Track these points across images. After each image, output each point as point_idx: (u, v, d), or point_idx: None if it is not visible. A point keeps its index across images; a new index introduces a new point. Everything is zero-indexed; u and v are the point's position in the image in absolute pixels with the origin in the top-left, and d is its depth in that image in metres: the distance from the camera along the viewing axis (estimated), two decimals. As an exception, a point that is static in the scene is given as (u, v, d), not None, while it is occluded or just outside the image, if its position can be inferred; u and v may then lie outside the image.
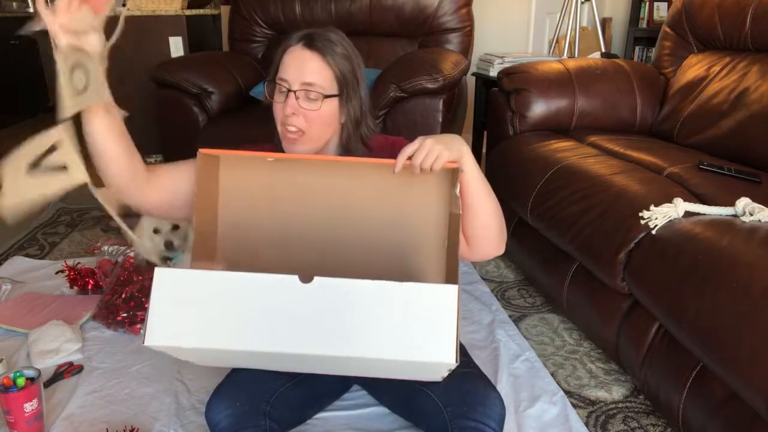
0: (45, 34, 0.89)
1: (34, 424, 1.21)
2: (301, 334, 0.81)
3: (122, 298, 1.66)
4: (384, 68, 2.28)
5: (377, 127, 1.26)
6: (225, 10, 3.32)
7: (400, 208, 1.08)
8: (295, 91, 1.08)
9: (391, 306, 0.81)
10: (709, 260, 1.13)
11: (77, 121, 0.95)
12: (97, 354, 1.56)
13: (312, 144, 1.13)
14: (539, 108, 2.04)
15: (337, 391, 1.33)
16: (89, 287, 1.85)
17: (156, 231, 1.76)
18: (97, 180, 0.99)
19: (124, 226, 1.00)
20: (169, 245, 1.75)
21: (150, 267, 1.73)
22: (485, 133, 2.77)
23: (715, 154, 1.76)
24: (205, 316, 0.82)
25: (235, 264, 1.10)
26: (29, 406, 1.19)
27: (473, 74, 2.89)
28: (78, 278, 1.84)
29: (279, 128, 1.13)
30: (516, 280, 2.02)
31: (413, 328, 0.80)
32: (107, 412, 1.34)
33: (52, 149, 0.92)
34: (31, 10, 5.11)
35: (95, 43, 0.92)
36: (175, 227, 1.78)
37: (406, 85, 2.12)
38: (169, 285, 0.83)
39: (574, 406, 1.37)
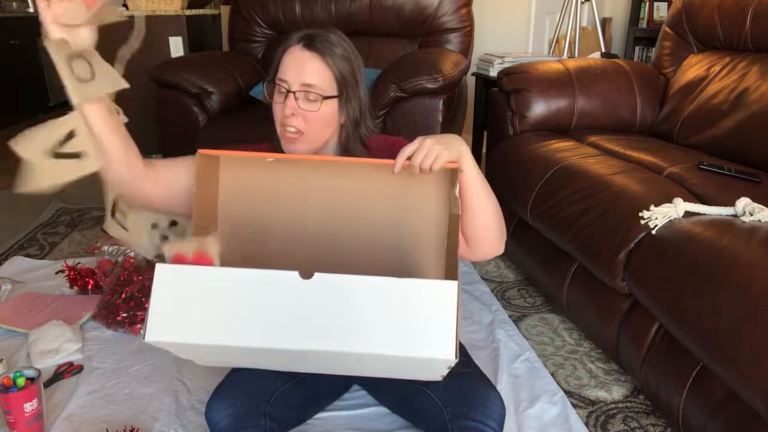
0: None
1: (34, 424, 1.21)
2: (301, 329, 0.81)
3: (122, 298, 1.66)
4: (384, 68, 2.28)
5: (377, 127, 1.26)
6: (225, 10, 3.32)
7: (399, 208, 1.08)
8: (294, 92, 1.08)
9: (391, 302, 0.81)
10: (709, 260, 1.13)
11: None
12: (97, 354, 1.56)
13: (311, 144, 1.13)
14: (539, 108, 2.04)
15: (337, 391, 1.33)
16: (89, 287, 1.85)
17: (154, 226, 1.76)
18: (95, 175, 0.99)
19: (115, 219, 1.00)
20: (164, 240, 1.75)
21: (150, 267, 1.73)
22: (485, 133, 2.77)
23: (715, 154, 1.76)
24: (206, 312, 0.82)
25: (234, 264, 1.10)
26: (29, 406, 1.19)
27: (473, 74, 2.89)
28: (78, 278, 1.84)
29: (278, 128, 1.13)
30: (516, 280, 2.02)
31: (413, 325, 0.81)
32: (107, 412, 1.34)
33: (70, 136, 0.92)
34: (32, 10, 5.12)
35: (86, 38, 0.93)
36: (173, 223, 1.78)
37: (406, 85, 2.12)
38: (170, 281, 0.84)
39: (574, 406, 1.37)
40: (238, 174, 1.09)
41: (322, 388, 1.24)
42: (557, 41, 3.09)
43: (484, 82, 2.84)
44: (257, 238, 1.10)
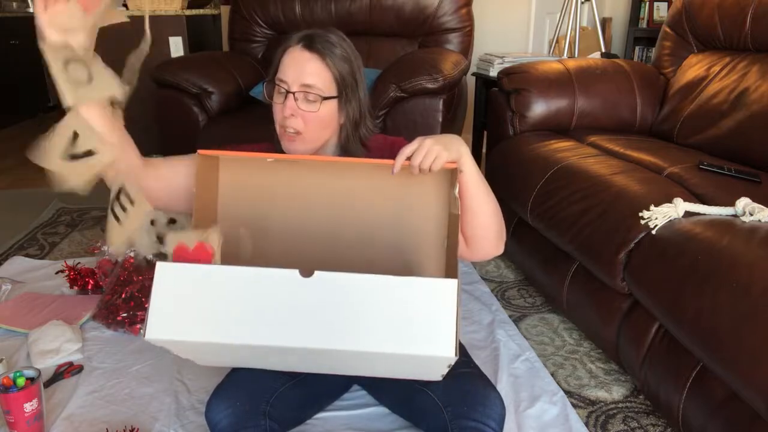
0: None
1: (34, 424, 1.21)
2: (302, 327, 0.81)
3: (122, 298, 1.66)
4: (384, 68, 2.28)
5: (376, 127, 1.26)
6: (225, 10, 3.32)
7: (399, 208, 1.08)
8: (293, 93, 1.08)
9: (390, 300, 0.82)
10: (709, 260, 1.13)
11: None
12: (97, 354, 1.56)
13: (310, 144, 1.13)
14: (539, 108, 2.04)
15: (337, 391, 1.33)
16: (89, 287, 1.85)
17: (152, 222, 1.76)
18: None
19: (114, 211, 0.99)
20: (162, 239, 1.76)
21: (150, 267, 1.73)
22: (485, 133, 2.77)
23: (715, 154, 1.76)
24: (206, 310, 0.83)
25: (233, 264, 1.10)
26: (29, 406, 1.19)
27: (473, 74, 2.89)
28: (78, 278, 1.84)
29: (278, 128, 1.13)
30: (516, 280, 2.02)
31: (413, 322, 0.81)
32: (107, 412, 1.34)
33: (75, 136, 0.92)
34: (31, 10, 5.11)
35: (82, 41, 0.92)
36: (172, 221, 1.78)
37: (406, 85, 2.12)
38: (170, 279, 0.84)
39: (574, 406, 1.37)
40: (238, 174, 1.09)
41: (322, 388, 1.24)
42: (557, 41, 3.09)
43: (484, 82, 2.84)
44: (257, 238, 1.10)
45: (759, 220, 1.21)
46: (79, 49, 0.92)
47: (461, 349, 1.19)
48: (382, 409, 1.31)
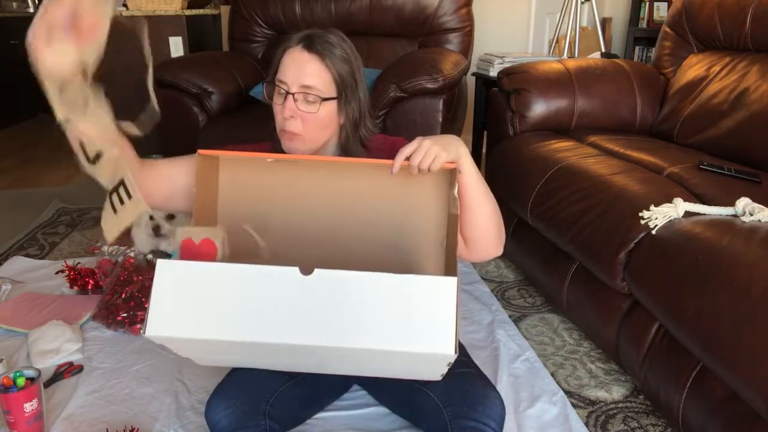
0: None
1: (34, 424, 1.21)
2: (301, 325, 0.82)
3: (122, 298, 1.66)
4: (384, 68, 2.28)
5: (376, 127, 1.26)
6: (225, 10, 3.32)
7: (398, 208, 1.08)
8: (293, 94, 1.08)
9: (390, 297, 0.82)
10: (709, 260, 1.13)
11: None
12: (97, 354, 1.56)
13: (310, 145, 1.13)
14: (539, 108, 2.04)
15: (337, 391, 1.33)
16: (89, 287, 1.85)
17: (151, 217, 1.77)
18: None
19: (111, 201, 1.00)
20: (156, 230, 1.76)
21: (150, 267, 1.73)
22: (485, 133, 2.77)
23: (715, 154, 1.76)
24: (206, 307, 0.83)
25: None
26: (29, 406, 1.19)
27: (473, 74, 2.89)
28: (78, 278, 1.84)
29: (278, 128, 1.14)
30: (516, 280, 2.02)
31: (413, 320, 0.81)
32: (107, 412, 1.34)
33: (119, 186, 0.97)
34: (31, 10, 5.12)
35: (78, 69, 0.91)
36: (171, 216, 1.78)
37: (406, 85, 2.12)
38: (171, 277, 0.84)
39: (574, 406, 1.37)
40: (238, 174, 1.09)
41: (322, 388, 1.24)
42: (557, 41, 3.09)
43: (484, 82, 2.84)
44: (250, 235, 1.10)
45: (759, 220, 1.21)
46: (75, 76, 0.92)
47: (461, 349, 1.18)
48: (382, 409, 1.31)
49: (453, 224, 1.03)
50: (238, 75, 2.55)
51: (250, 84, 2.56)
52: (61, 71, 0.89)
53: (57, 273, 1.94)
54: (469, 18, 2.70)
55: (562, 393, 1.41)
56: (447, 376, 1.00)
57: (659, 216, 1.31)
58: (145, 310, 1.21)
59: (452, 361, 0.85)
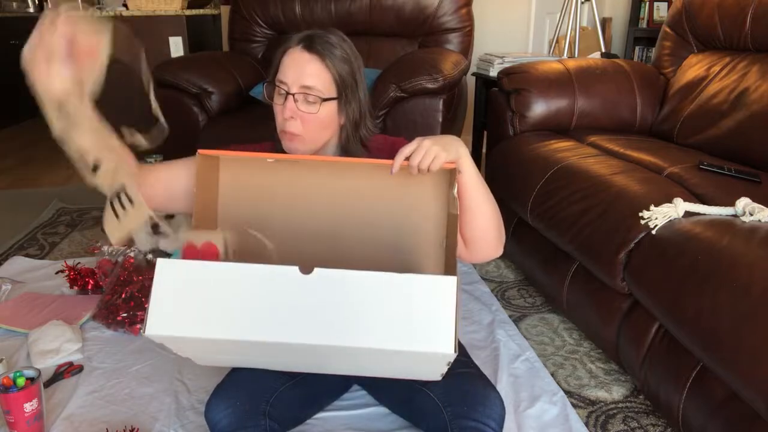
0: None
1: (34, 424, 1.21)
2: (301, 324, 0.82)
3: (122, 298, 1.66)
4: (384, 68, 2.28)
5: (377, 128, 1.27)
6: (225, 10, 3.32)
7: (398, 208, 1.08)
8: (293, 95, 1.08)
9: (390, 296, 0.82)
10: (709, 260, 1.13)
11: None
12: (97, 354, 1.56)
13: (310, 145, 1.13)
14: (539, 108, 2.04)
15: (337, 391, 1.33)
16: (89, 287, 1.85)
17: (150, 217, 1.77)
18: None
19: (113, 208, 1.01)
20: (155, 227, 1.76)
21: (150, 267, 1.73)
22: (485, 133, 2.77)
23: (715, 154, 1.76)
24: (206, 306, 0.83)
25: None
26: (29, 406, 1.19)
27: (473, 74, 2.89)
28: (78, 278, 1.85)
29: (278, 128, 1.14)
30: (516, 280, 2.02)
31: (412, 319, 0.81)
32: (107, 412, 1.34)
33: (120, 192, 1.00)
34: (32, 10, 5.12)
35: (77, 91, 0.92)
36: (170, 216, 1.78)
37: (406, 85, 2.12)
38: (171, 276, 0.84)
39: (574, 406, 1.37)
40: (238, 174, 1.10)
41: (322, 388, 1.24)
42: (557, 41, 3.09)
43: (484, 82, 2.84)
44: (257, 239, 1.11)
45: (759, 220, 1.21)
46: (73, 96, 0.92)
47: (461, 349, 1.19)
48: (382, 409, 1.31)
49: (453, 224, 1.03)
50: (238, 75, 2.55)
51: (250, 84, 2.56)
52: (60, 92, 0.90)
53: (57, 273, 1.94)
54: (469, 18, 2.70)
55: (562, 393, 1.41)
56: (447, 376, 1.00)
57: (659, 216, 1.31)
58: (145, 310, 1.21)
59: (452, 361, 0.85)
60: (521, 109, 2.05)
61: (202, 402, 1.31)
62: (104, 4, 3.52)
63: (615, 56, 2.75)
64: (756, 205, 1.25)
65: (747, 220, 1.22)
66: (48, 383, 1.42)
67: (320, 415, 1.30)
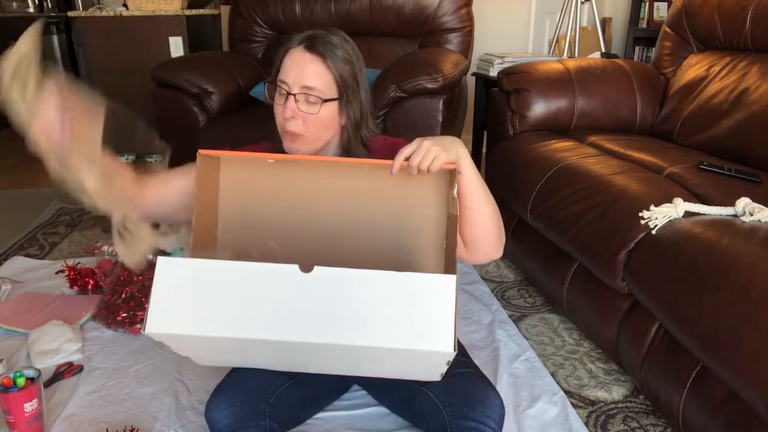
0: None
1: (34, 424, 1.21)
2: (300, 322, 0.82)
3: (122, 298, 1.66)
4: (384, 68, 2.28)
5: (378, 128, 1.27)
6: (225, 10, 3.32)
7: (398, 209, 1.08)
8: (294, 95, 1.08)
9: (390, 295, 0.82)
10: (709, 260, 1.13)
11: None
12: (97, 354, 1.56)
13: (311, 145, 1.13)
14: (539, 108, 2.04)
15: (337, 391, 1.33)
16: (89, 287, 1.85)
17: (155, 225, 1.77)
18: None
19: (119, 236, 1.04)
20: (156, 226, 1.77)
21: (150, 267, 1.73)
22: (485, 133, 2.77)
23: (715, 154, 1.76)
24: (206, 304, 0.83)
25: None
26: (29, 406, 1.19)
27: (473, 74, 2.89)
28: (78, 278, 1.84)
29: (279, 128, 1.14)
30: (516, 280, 2.02)
31: (412, 317, 0.81)
32: (107, 412, 1.34)
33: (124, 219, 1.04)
34: (31, 10, 5.12)
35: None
36: (155, 225, 1.79)
37: (406, 85, 2.12)
38: (171, 274, 0.84)
39: (574, 406, 1.37)
40: (239, 174, 1.10)
41: (321, 388, 1.24)
42: (557, 41, 3.09)
43: (484, 82, 2.84)
44: (257, 239, 1.11)
45: (759, 220, 1.21)
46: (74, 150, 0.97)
47: (461, 349, 1.19)
48: (382, 409, 1.31)
49: (452, 225, 1.03)
50: (238, 75, 2.55)
51: (250, 84, 2.56)
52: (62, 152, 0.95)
53: (57, 273, 1.94)
54: (469, 18, 2.70)
55: (562, 393, 1.41)
56: (446, 377, 1.00)
57: (659, 216, 1.31)
58: (145, 310, 1.21)
59: (451, 360, 0.85)
60: (521, 109, 2.05)
61: (202, 402, 1.31)
62: (104, 4, 3.52)
63: (615, 56, 2.76)
64: (756, 205, 1.25)
65: (747, 220, 1.22)
66: (48, 383, 1.42)
67: (320, 415, 1.30)
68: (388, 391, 1.25)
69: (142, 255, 1.06)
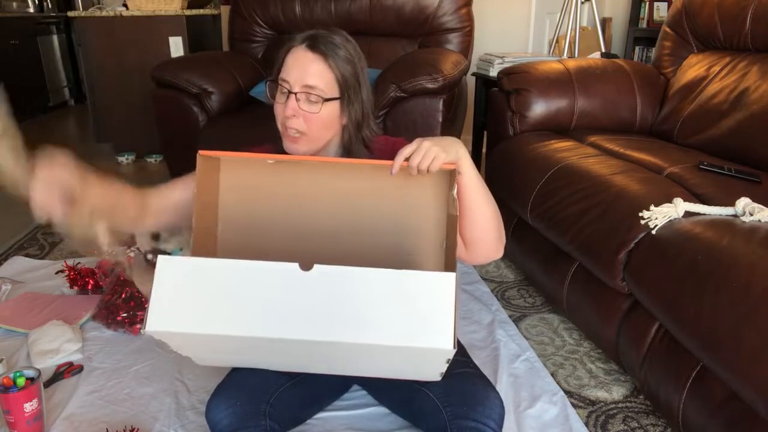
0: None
1: (34, 424, 1.21)
2: (301, 320, 0.82)
3: (122, 298, 1.66)
4: (384, 68, 2.28)
5: (380, 129, 1.27)
6: (225, 10, 3.32)
7: (398, 209, 1.08)
8: (295, 93, 1.08)
9: (389, 293, 0.82)
10: (709, 260, 1.13)
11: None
12: (97, 354, 1.56)
13: (312, 144, 1.13)
14: (539, 108, 2.04)
15: (337, 391, 1.33)
16: (89, 287, 1.85)
17: (155, 237, 1.79)
18: None
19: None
20: (156, 238, 1.78)
21: (150, 266, 1.73)
22: (485, 133, 2.77)
23: (715, 154, 1.76)
24: (206, 302, 0.83)
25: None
26: (29, 406, 1.19)
27: (473, 74, 2.89)
28: (78, 278, 1.85)
29: (280, 127, 1.14)
30: (516, 280, 2.02)
31: (412, 315, 0.81)
32: (107, 412, 1.34)
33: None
34: (31, 10, 5.12)
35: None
36: (155, 236, 1.81)
37: (406, 85, 2.12)
38: (171, 273, 0.84)
39: (574, 406, 1.37)
40: (239, 175, 1.10)
41: (322, 388, 1.25)
42: (557, 41, 3.10)
43: (484, 82, 2.84)
44: (257, 239, 1.11)
45: (759, 220, 1.21)
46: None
47: (461, 349, 1.19)
48: (382, 409, 1.31)
49: (452, 225, 1.03)
50: (238, 75, 2.55)
51: (250, 84, 2.56)
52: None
53: (57, 273, 1.94)
54: (469, 18, 2.70)
55: (562, 393, 1.41)
56: (446, 376, 1.00)
57: (659, 216, 1.31)
58: (145, 310, 1.21)
59: (451, 358, 0.85)
60: (521, 109, 2.05)
61: (203, 402, 1.31)
62: (104, 4, 3.52)
63: (615, 56, 2.76)
64: (756, 205, 1.25)
65: (747, 220, 1.22)
66: (48, 383, 1.42)
67: (320, 415, 1.30)
68: (388, 391, 1.25)
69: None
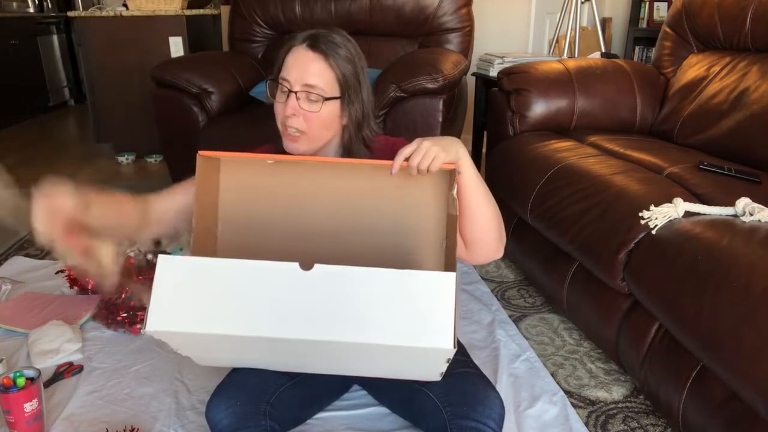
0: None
1: (34, 424, 1.21)
2: (301, 319, 0.82)
3: (122, 298, 1.66)
4: (384, 68, 2.28)
5: (380, 128, 1.27)
6: (225, 10, 3.33)
7: (398, 209, 1.08)
8: (296, 92, 1.08)
9: (390, 293, 0.82)
10: (709, 260, 1.13)
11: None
12: (97, 354, 1.56)
13: (312, 144, 1.13)
14: (539, 108, 2.04)
15: (337, 391, 1.33)
16: (89, 287, 1.85)
17: (157, 243, 1.80)
18: None
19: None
20: (157, 244, 1.79)
21: (150, 267, 1.73)
22: (485, 133, 2.77)
23: (715, 154, 1.76)
24: (206, 302, 0.83)
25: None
26: (29, 406, 1.19)
27: (473, 74, 2.89)
28: (78, 278, 1.84)
29: (279, 127, 1.14)
30: (516, 280, 2.02)
31: (412, 315, 0.81)
32: (107, 412, 1.34)
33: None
34: (31, 10, 5.12)
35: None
36: (157, 243, 1.82)
37: (406, 85, 2.12)
38: (171, 273, 0.84)
39: (574, 406, 1.37)
40: (239, 175, 1.10)
41: (322, 388, 1.25)
42: (557, 41, 3.10)
43: (484, 82, 2.84)
44: (257, 239, 1.11)
45: (759, 220, 1.21)
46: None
47: (461, 349, 1.19)
48: (382, 409, 1.31)
49: (452, 225, 1.03)
50: (238, 75, 2.55)
51: (250, 84, 2.56)
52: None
53: (57, 273, 1.94)
54: (469, 18, 2.70)
55: (562, 393, 1.41)
56: (446, 376, 1.00)
57: (659, 216, 1.31)
58: (145, 310, 1.22)
59: (451, 357, 0.85)
60: (521, 109, 2.05)
61: (203, 402, 1.31)
62: (104, 4, 3.52)
63: (615, 56, 2.76)
64: (756, 205, 1.25)
65: (747, 220, 1.22)
66: (48, 383, 1.42)
67: (320, 415, 1.30)
68: (388, 391, 1.25)
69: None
